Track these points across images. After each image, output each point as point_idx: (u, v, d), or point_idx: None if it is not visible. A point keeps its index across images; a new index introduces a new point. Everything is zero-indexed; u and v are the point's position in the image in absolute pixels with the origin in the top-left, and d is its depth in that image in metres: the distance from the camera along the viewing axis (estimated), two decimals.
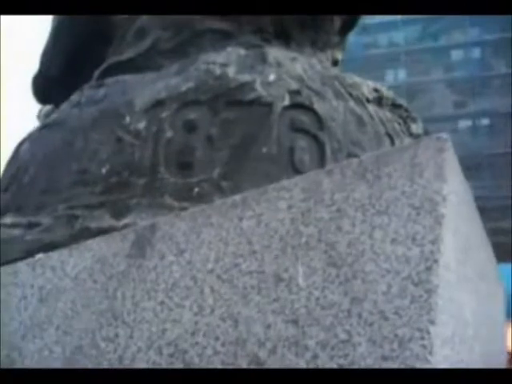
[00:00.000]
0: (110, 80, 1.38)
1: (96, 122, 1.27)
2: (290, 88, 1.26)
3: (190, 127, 1.22)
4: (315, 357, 0.76)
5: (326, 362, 0.75)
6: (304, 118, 1.23)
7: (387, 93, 1.45)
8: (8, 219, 1.26)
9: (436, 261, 0.74)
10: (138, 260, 0.98)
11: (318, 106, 1.26)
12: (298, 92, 1.26)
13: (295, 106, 1.25)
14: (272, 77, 1.28)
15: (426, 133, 1.54)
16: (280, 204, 0.89)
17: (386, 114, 1.40)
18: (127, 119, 1.24)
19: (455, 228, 0.88)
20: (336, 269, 0.80)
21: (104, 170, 1.20)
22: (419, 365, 0.69)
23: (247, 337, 0.81)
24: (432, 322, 0.71)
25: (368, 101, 1.37)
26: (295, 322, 0.79)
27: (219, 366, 0.82)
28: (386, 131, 1.37)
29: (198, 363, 0.84)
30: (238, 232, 0.91)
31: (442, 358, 0.74)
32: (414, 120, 1.50)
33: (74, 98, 1.38)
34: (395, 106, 1.46)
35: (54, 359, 0.97)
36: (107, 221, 1.11)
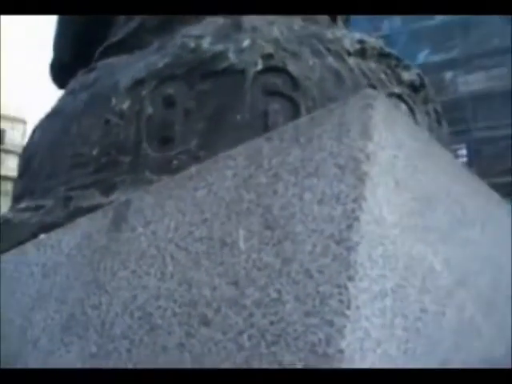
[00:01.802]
0: (100, 63, 1.45)
1: (87, 107, 1.36)
2: (264, 52, 1.28)
3: (169, 102, 1.27)
4: (251, 315, 0.81)
5: (259, 319, 0.80)
6: (277, 81, 1.25)
7: (374, 43, 1.42)
8: (23, 204, 1.40)
9: (357, 218, 0.76)
10: (116, 234, 1.07)
11: (292, 66, 1.27)
12: (270, 55, 1.27)
13: (268, 69, 1.26)
14: (246, 43, 1.30)
15: (422, 79, 1.50)
16: (227, 172, 0.94)
17: (370, 64, 1.37)
18: (113, 101, 1.32)
19: (398, 182, 0.88)
20: (271, 231, 0.84)
21: (95, 152, 1.29)
22: (337, 320, 0.73)
23: (198, 299, 0.88)
24: (350, 279, 0.74)
25: (349, 54, 1.35)
26: (236, 284, 0.84)
27: (177, 327, 0.89)
28: (370, 83, 1.35)
29: (160, 324, 0.92)
30: (193, 202, 0.97)
31: (369, 312, 0.77)
32: (406, 68, 1.46)
33: (70, 85, 1.47)
34: (382, 56, 1.43)
35: (55, 325, 1.10)
36: (97, 199, 1.21)
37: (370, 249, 0.78)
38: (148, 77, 1.30)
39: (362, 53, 1.37)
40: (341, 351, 0.71)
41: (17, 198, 1.44)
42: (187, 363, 0.86)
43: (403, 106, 1.37)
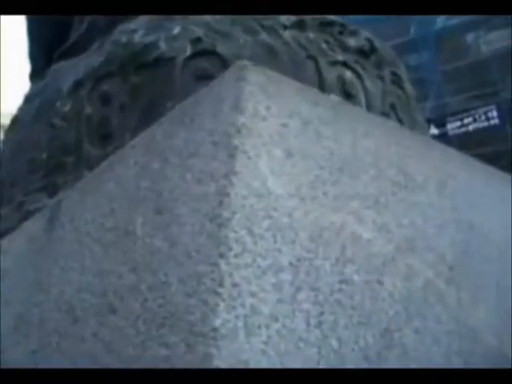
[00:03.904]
0: (51, 69, 1.49)
1: (38, 113, 1.40)
2: (193, 36, 1.27)
3: (105, 100, 1.29)
4: (145, 300, 0.82)
5: (151, 303, 0.80)
6: (206, 64, 1.24)
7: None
8: None
9: (227, 194, 0.75)
10: (50, 233, 1.10)
11: (222, 47, 1.25)
12: (199, 39, 1.26)
13: (197, 54, 1.25)
14: (176, 30, 1.30)
15: (372, 43, 1.45)
16: (130, 162, 0.95)
17: (309, 35, 1.34)
18: (58, 104, 1.35)
19: (290, 151, 0.85)
20: (161, 216, 0.84)
21: (44, 156, 1.33)
22: (210, 298, 0.72)
23: (107, 288, 0.90)
24: (222, 256, 0.73)
25: (285, 27, 1.32)
26: (134, 270, 0.85)
27: (92, 317, 0.91)
28: (309, 54, 1.31)
29: (84, 317, 0.95)
30: (105, 194, 0.98)
31: (256, 288, 0.76)
32: (352, 33, 1.41)
33: (27, 93, 1.52)
34: (324, 25, 1.38)
35: (7, 328, 1.15)
36: (43, 202, 1.25)
37: (251, 223, 0.77)
38: (86, 77, 1.32)
39: (299, 25, 1.33)
40: (215, 329, 0.71)
41: None
42: (100, 352, 0.88)
43: (348, 73, 1.33)
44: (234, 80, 0.80)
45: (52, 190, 1.27)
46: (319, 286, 0.88)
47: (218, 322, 0.71)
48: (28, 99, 1.49)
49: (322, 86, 1.29)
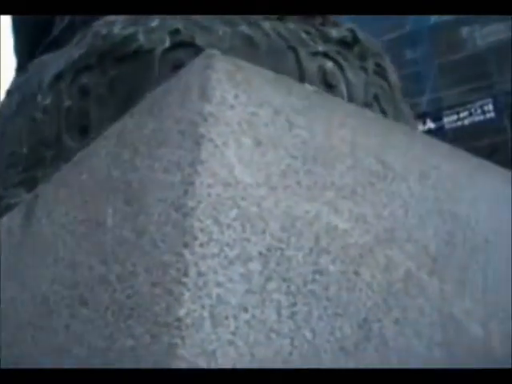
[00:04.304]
0: (32, 63, 1.48)
1: (18, 107, 1.40)
2: (171, 28, 1.26)
3: (84, 92, 1.28)
4: (114, 291, 0.81)
5: (119, 294, 0.80)
6: (185, 56, 1.23)
7: None
8: None
9: (192, 183, 0.74)
10: (27, 228, 1.10)
11: (201, 39, 1.24)
12: (178, 31, 1.25)
13: (176, 45, 1.24)
14: (155, 22, 1.29)
15: (354, 34, 1.43)
16: (102, 153, 0.94)
17: (290, 26, 1.33)
18: (38, 98, 1.35)
19: (260, 140, 0.85)
20: (130, 206, 0.83)
21: (25, 150, 1.32)
22: (175, 288, 0.71)
23: (79, 280, 0.89)
24: (186, 245, 0.72)
25: (265, 18, 1.31)
26: (104, 261, 0.85)
27: (64, 309, 0.91)
28: (289, 45, 1.30)
29: (57, 309, 0.94)
30: (79, 186, 0.98)
31: (223, 279, 0.75)
32: (334, 24, 1.40)
33: (8, 87, 1.51)
34: (305, 15, 1.37)
35: None
36: (22, 196, 1.24)
37: (217, 213, 0.76)
38: (66, 70, 1.31)
39: (280, 15, 1.33)
40: (179, 319, 0.70)
41: None
42: (72, 344, 0.88)
43: (329, 64, 1.32)
44: (201, 68, 0.80)
45: (31, 184, 1.27)
46: (291, 277, 0.87)
47: (182, 312, 0.70)
48: (9, 93, 1.48)
49: (303, 77, 1.28)
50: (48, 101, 1.31)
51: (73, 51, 1.35)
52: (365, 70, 1.40)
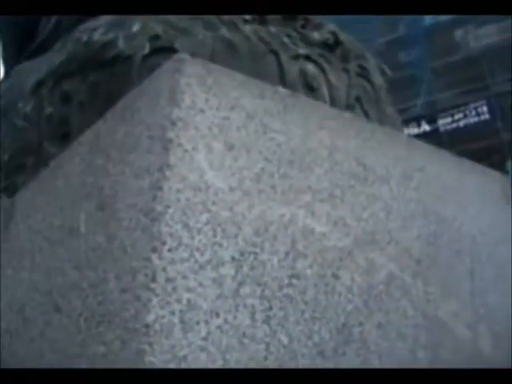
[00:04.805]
0: (14, 69, 1.48)
1: (0, 114, 1.39)
2: (151, 34, 1.26)
3: (65, 99, 1.28)
4: (86, 297, 0.81)
5: (91, 300, 0.79)
6: (163, 62, 1.22)
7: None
8: None
9: (160, 188, 0.73)
10: (5, 234, 1.09)
11: (180, 43, 1.24)
12: (157, 37, 1.25)
13: (155, 51, 1.24)
14: (135, 28, 1.28)
15: (337, 36, 1.43)
16: (76, 159, 0.94)
17: (271, 29, 1.32)
18: (20, 105, 1.34)
19: (232, 144, 0.84)
20: (102, 212, 0.83)
21: (6, 157, 1.32)
22: (143, 294, 0.71)
23: (53, 286, 0.89)
24: (154, 250, 0.71)
25: (246, 22, 1.31)
26: (78, 268, 0.84)
27: (39, 316, 0.90)
28: (270, 48, 1.30)
29: (32, 316, 0.94)
30: (55, 192, 0.97)
31: (193, 284, 0.74)
32: (316, 27, 1.40)
33: None
34: (288, 18, 1.37)
35: None
36: (3, 203, 1.24)
37: (187, 218, 0.76)
38: (47, 76, 1.31)
39: (260, 19, 1.32)
40: (147, 326, 0.69)
41: None
42: (46, 351, 0.87)
43: (310, 67, 1.32)
44: (170, 72, 0.79)
45: (12, 190, 1.26)
46: (266, 281, 0.86)
47: (150, 318, 0.70)
48: None
49: (284, 81, 1.28)
50: (29, 108, 1.31)
51: (54, 58, 1.35)
52: (347, 71, 1.39)
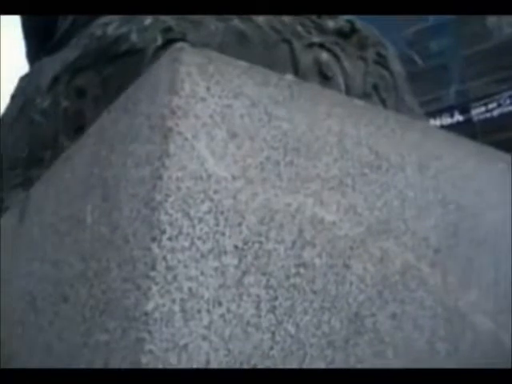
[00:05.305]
0: (33, 67, 1.51)
1: (20, 111, 1.42)
2: (164, 26, 1.26)
3: (81, 93, 1.29)
4: (92, 286, 0.81)
5: (96, 290, 0.79)
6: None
7: None
8: None
9: (160, 177, 0.73)
10: (20, 228, 1.12)
11: (192, 35, 1.24)
12: (170, 29, 1.25)
13: (167, 43, 1.24)
14: (148, 21, 1.29)
15: (352, 24, 1.40)
16: (84, 151, 0.94)
17: (284, 19, 1.31)
18: (38, 101, 1.37)
19: (235, 133, 0.83)
20: (107, 202, 0.83)
21: (25, 153, 1.35)
22: (143, 282, 0.70)
23: (61, 277, 0.90)
24: (154, 239, 0.71)
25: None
26: (83, 258, 0.85)
27: (49, 307, 0.91)
28: (283, 37, 1.28)
29: (42, 306, 0.95)
30: (64, 185, 0.99)
31: (195, 272, 0.74)
32: (331, 15, 1.37)
33: (13, 91, 1.54)
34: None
35: None
36: (20, 197, 1.26)
37: (187, 206, 0.75)
38: (63, 72, 1.33)
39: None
40: (146, 314, 0.69)
41: None
42: (53, 341, 0.88)
43: (324, 55, 1.30)
44: (170, 62, 0.79)
45: (29, 184, 1.29)
46: (271, 270, 0.85)
47: (150, 306, 0.70)
48: (13, 97, 1.51)
49: (297, 70, 1.26)
50: (46, 103, 1.33)
51: (70, 53, 1.37)
52: (364, 59, 1.37)
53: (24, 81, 1.51)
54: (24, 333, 0.97)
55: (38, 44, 1.83)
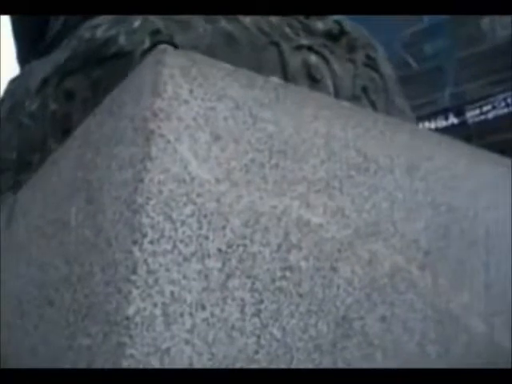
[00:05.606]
0: (23, 69, 1.51)
1: (9, 114, 1.42)
2: (152, 29, 1.26)
3: (69, 96, 1.29)
4: (75, 291, 0.81)
5: (79, 294, 0.79)
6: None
7: None
8: None
9: (141, 180, 0.73)
10: (8, 231, 1.11)
11: (180, 37, 1.23)
12: (158, 31, 1.25)
13: (155, 45, 1.23)
14: (136, 23, 1.29)
15: (341, 26, 1.40)
16: (70, 154, 0.94)
17: (272, 20, 1.30)
18: (26, 104, 1.36)
19: (219, 135, 0.83)
20: (91, 205, 0.83)
21: (14, 155, 1.34)
22: (124, 286, 0.70)
23: (46, 280, 0.89)
24: (135, 242, 0.71)
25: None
26: (68, 262, 0.85)
27: (34, 309, 0.91)
28: (271, 40, 1.28)
29: (28, 310, 0.95)
30: (51, 188, 0.98)
31: (177, 276, 0.73)
32: (320, 16, 1.37)
33: (2, 94, 1.54)
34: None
35: None
36: (9, 201, 1.26)
37: (170, 209, 0.75)
38: (52, 74, 1.33)
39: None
40: (127, 318, 0.69)
41: None
42: (39, 344, 0.88)
43: (313, 58, 1.29)
44: (153, 64, 0.79)
45: (18, 188, 1.28)
46: (257, 274, 0.85)
47: (131, 311, 0.69)
48: (2, 100, 1.51)
49: (286, 72, 1.26)
50: (35, 106, 1.33)
51: (59, 56, 1.36)
52: (353, 62, 1.37)
53: (13, 83, 1.50)
54: (10, 337, 0.96)
55: (29, 46, 1.82)
